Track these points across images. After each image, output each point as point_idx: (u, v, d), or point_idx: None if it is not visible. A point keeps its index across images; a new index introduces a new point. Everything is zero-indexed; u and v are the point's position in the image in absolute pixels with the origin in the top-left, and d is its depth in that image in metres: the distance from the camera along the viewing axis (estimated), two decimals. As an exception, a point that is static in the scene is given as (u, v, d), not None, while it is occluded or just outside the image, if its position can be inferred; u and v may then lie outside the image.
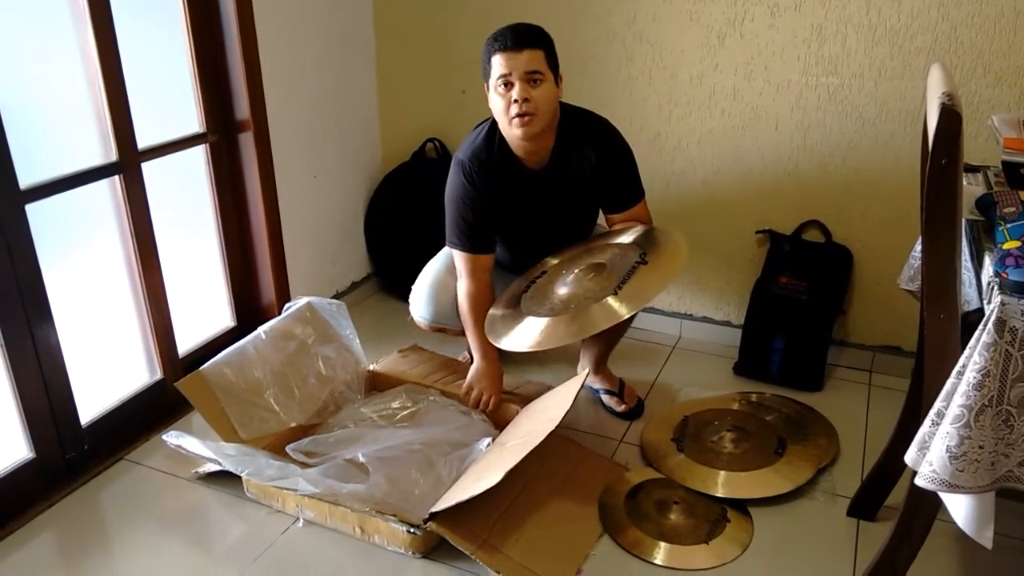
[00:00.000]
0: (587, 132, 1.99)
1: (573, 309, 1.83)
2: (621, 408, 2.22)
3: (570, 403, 1.76)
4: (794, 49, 2.23)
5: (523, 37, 1.83)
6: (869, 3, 2.12)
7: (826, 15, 2.16)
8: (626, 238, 2.00)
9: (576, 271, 1.94)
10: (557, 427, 1.71)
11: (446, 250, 2.20)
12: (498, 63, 1.83)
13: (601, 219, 2.15)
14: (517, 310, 1.95)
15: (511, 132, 1.89)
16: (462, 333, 2.15)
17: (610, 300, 1.81)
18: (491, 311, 2.02)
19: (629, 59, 2.42)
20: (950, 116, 1.13)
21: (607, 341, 2.21)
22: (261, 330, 2.12)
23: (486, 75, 1.89)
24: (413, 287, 2.26)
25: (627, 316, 1.79)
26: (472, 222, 2.01)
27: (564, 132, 1.96)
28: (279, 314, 2.22)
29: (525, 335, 1.86)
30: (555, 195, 2.01)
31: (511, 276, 2.14)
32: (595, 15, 2.41)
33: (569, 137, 1.97)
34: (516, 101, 1.82)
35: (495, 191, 1.98)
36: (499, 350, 2.00)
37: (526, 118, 1.83)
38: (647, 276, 1.84)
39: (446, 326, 2.20)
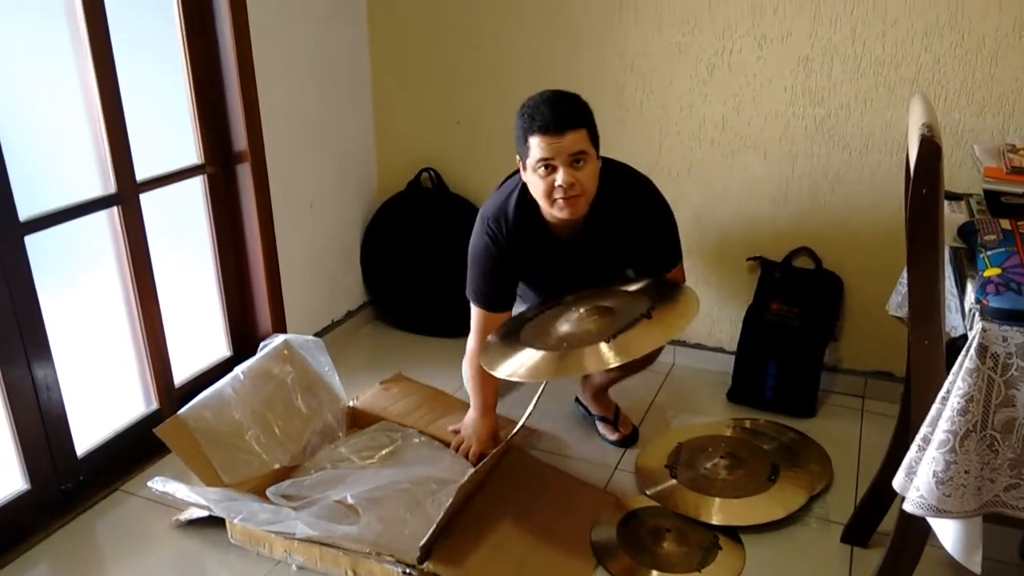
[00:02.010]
0: (626, 192, 1.90)
1: (565, 348, 1.79)
2: (615, 436, 2.23)
3: (531, 407, 1.75)
4: (781, 80, 2.27)
5: (565, 118, 1.70)
6: (854, 35, 2.16)
7: (812, 47, 2.21)
8: (639, 286, 1.95)
9: (581, 310, 1.89)
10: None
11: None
12: (538, 145, 1.71)
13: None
14: (517, 339, 1.95)
15: (552, 212, 1.80)
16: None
17: (603, 347, 1.74)
18: (491, 336, 1.98)
19: (620, 90, 2.46)
20: (929, 147, 1.16)
21: (613, 377, 2.19)
22: (239, 370, 2.09)
23: (522, 153, 1.77)
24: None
25: (613, 365, 1.71)
26: (491, 282, 1.96)
27: (601, 194, 1.84)
28: (275, 343, 2.23)
29: (517, 364, 1.84)
30: (585, 260, 1.95)
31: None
32: (586, 47, 2.45)
33: (608, 200, 1.86)
34: (561, 187, 1.72)
35: (520, 254, 1.92)
36: (495, 404, 2.03)
37: (571, 201, 1.74)
38: (646, 330, 1.77)
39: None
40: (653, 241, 1.97)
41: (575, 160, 1.73)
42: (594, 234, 1.91)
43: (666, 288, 1.92)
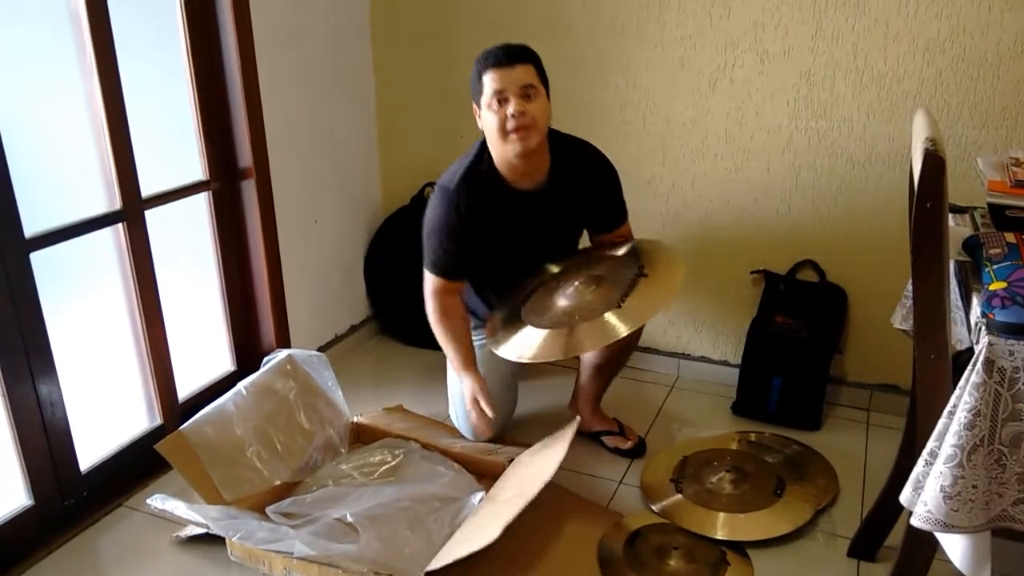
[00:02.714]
0: (578, 151, 2.02)
1: (573, 322, 1.81)
2: (628, 445, 2.21)
3: (564, 452, 1.76)
4: (783, 94, 2.28)
5: (515, 52, 1.86)
6: (856, 49, 2.17)
7: (814, 61, 2.22)
8: (622, 250, 2.01)
9: (576, 283, 1.93)
10: (554, 475, 1.70)
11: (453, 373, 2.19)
12: (491, 79, 1.84)
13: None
14: (517, 318, 1.94)
15: (507, 148, 1.88)
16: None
17: (612, 317, 1.79)
18: (493, 317, 2.03)
19: (623, 105, 2.47)
20: (933, 161, 1.16)
21: (603, 378, 2.21)
22: (241, 385, 2.09)
23: (477, 94, 1.90)
24: (451, 402, 2.27)
25: (626, 333, 1.78)
26: (451, 252, 2.00)
27: (558, 153, 1.98)
28: (279, 358, 2.23)
29: (524, 345, 1.84)
30: (549, 216, 2.02)
31: (495, 293, 2.15)
32: (590, 63, 2.47)
33: (564, 157, 1.99)
34: (513, 115, 1.83)
35: (482, 216, 1.97)
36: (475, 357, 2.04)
37: (523, 132, 1.84)
38: (648, 290, 1.83)
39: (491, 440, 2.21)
40: (606, 199, 2.07)
41: (525, 93, 1.84)
42: (554, 190, 1.99)
43: (641, 245, 2.00)
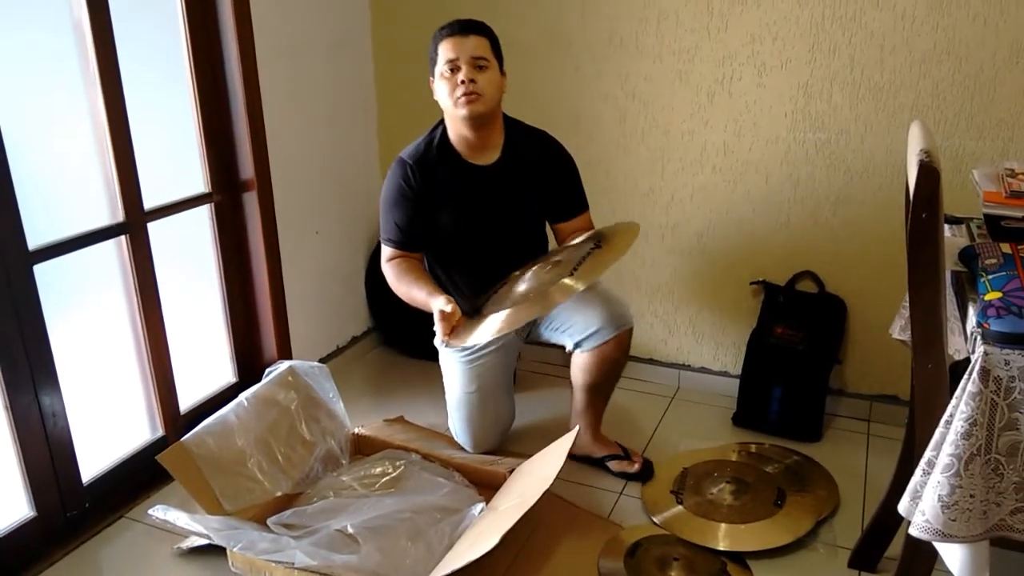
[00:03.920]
0: (534, 137, 2.11)
1: (532, 295, 1.87)
2: (633, 469, 2.16)
3: (563, 460, 1.76)
4: (781, 106, 2.29)
5: (469, 24, 1.95)
6: (852, 62, 2.19)
7: (811, 73, 2.24)
8: (581, 238, 2.05)
9: (533, 268, 1.99)
10: (553, 485, 1.70)
11: (454, 377, 2.22)
12: (445, 49, 1.93)
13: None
14: (477, 314, 1.97)
15: (456, 114, 1.96)
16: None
17: (566, 280, 1.84)
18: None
19: (622, 117, 2.49)
20: (928, 172, 1.17)
21: (598, 403, 2.18)
22: (243, 397, 2.09)
23: (432, 64, 1.98)
24: (449, 415, 2.28)
25: (582, 288, 1.81)
26: (402, 223, 2.07)
27: (512, 133, 2.08)
28: (280, 370, 2.24)
29: (488, 327, 1.85)
30: (500, 193, 2.07)
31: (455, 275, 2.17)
32: (588, 75, 2.48)
33: (518, 138, 2.08)
34: (463, 82, 1.91)
35: (432, 187, 2.03)
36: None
37: (472, 96, 1.91)
38: (600, 256, 1.89)
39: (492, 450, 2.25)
40: (564, 185, 2.14)
41: (478, 65, 1.93)
42: (512, 167, 2.05)
43: (603, 230, 2.04)
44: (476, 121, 1.97)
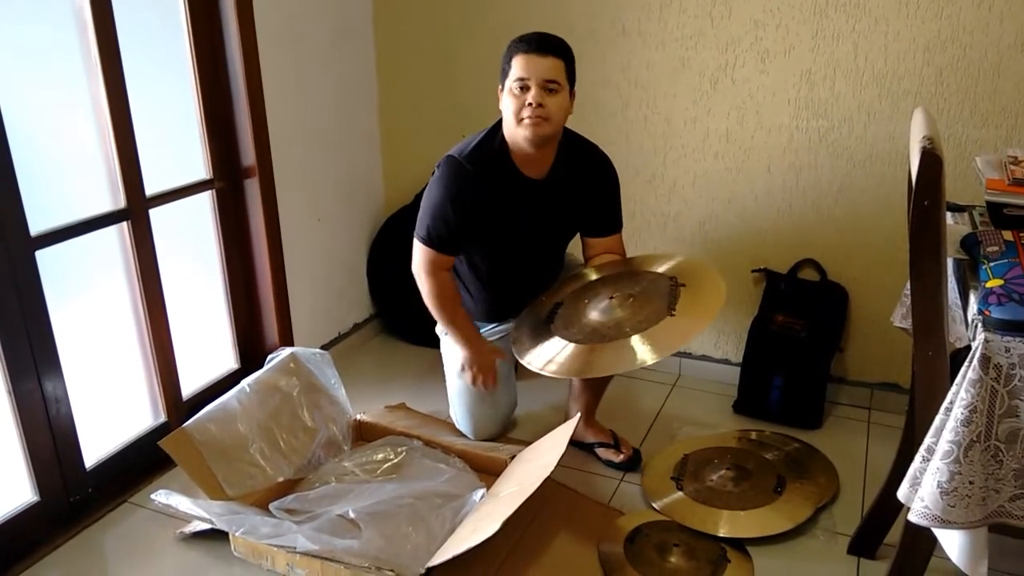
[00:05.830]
0: (588, 153, 2.06)
1: (597, 346, 1.84)
2: (620, 458, 2.17)
3: (564, 447, 1.77)
4: (784, 93, 2.29)
5: (547, 43, 1.87)
6: (856, 49, 2.18)
7: (815, 60, 2.23)
8: (660, 268, 2.01)
9: (611, 298, 1.95)
10: (553, 472, 1.71)
11: (454, 380, 2.23)
12: (519, 65, 1.86)
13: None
14: (550, 326, 1.97)
15: (518, 133, 1.90)
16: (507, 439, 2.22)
17: (635, 342, 1.81)
18: (518, 323, 2.06)
19: (624, 104, 2.48)
20: (930, 159, 1.17)
21: (596, 388, 2.20)
22: (245, 383, 2.10)
23: (504, 75, 1.91)
24: (451, 404, 2.30)
25: (651, 363, 1.78)
26: (452, 224, 1.98)
27: (566, 148, 2.02)
28: (282, 356, 2.24)
29: (546, 357, 1.88)
30: (546, 207, 2.04)
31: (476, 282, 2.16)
32: (590, 62, 2.47)
33: (571, 154, 2.03)
34: (530, 104, 1.85)
35: (484, 191, 1.97)
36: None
37: (537, 120, 1.85)
38: (675, 324, 1.83)
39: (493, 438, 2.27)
40: (606, 203, 2.11)
41: (549, 87, 1.86)
42: (561, 183, 2.02)
43: (685, 262, 2.01)
44: (538, 142, 1.92)
